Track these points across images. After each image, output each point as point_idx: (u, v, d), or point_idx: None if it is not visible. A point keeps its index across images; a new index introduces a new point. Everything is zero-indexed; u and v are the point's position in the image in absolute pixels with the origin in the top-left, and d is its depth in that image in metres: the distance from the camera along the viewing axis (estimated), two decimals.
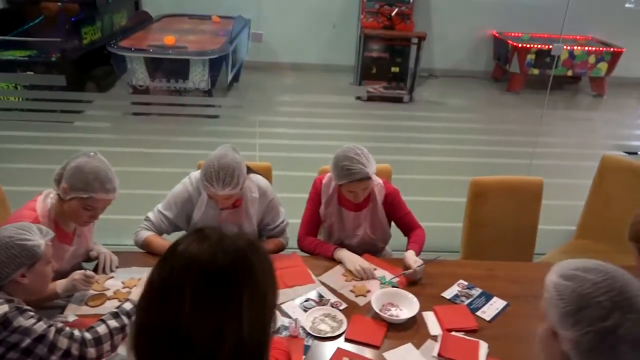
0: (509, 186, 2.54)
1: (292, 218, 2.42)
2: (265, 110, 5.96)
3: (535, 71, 7.13)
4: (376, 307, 1.87)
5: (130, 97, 5.47)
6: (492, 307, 1.97)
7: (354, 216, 2.26)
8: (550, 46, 6.98)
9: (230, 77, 5.82)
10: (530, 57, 7.02)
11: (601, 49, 7.10)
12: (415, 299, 1.91)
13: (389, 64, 7.06)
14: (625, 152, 3.81)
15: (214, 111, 5.20)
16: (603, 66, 7.12)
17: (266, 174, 2.50)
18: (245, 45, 6.81)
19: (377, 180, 2.24)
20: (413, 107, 6.59)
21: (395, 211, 2.28)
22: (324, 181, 2.26)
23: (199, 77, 5.35)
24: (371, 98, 6.69)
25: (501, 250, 2.56)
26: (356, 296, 1.99)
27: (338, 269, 2.15)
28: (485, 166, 4.75)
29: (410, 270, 2.05)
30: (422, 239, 2.25)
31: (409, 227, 2.30)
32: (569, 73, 7.19)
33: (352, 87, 7.13)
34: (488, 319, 1.91)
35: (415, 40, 6.86)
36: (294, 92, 6.93)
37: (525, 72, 7.12)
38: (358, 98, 6.70)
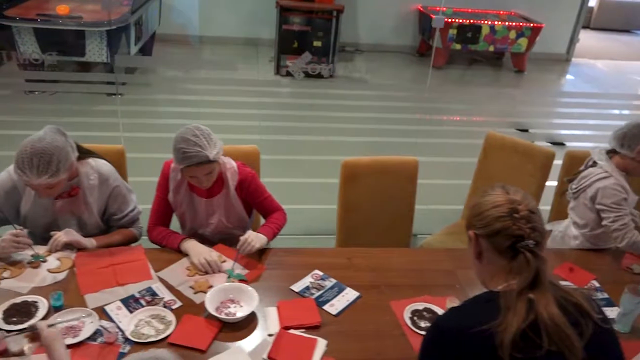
0: (382, 167, 2.41)
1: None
2: (177, 87, 5.63)
3: (458, 46, 7.08)
4: (211, 305, 1.70)
5: (22, 73, 4.99)
6: (343, 300, 1.84)
7: (206, 203, 2.07)
8: (473, 21, 6.96)
9: (134, 50, 5.44)
10: (452, 32, 6.95)
11: (521, 24, 7.11)
12: (255, 294, 1.74)
13: (310, 38, 6.82)
14: (517, 130, 3.78)
15: (114, 88, 4.84)
16: (523, 42, 7.15)
17: None
18: (156, 17, 6.40)
19: (230, 164, 2.05)
20: (333, 83, 6.41)
21: (252, 196, 2.10)
22: (172, 165, 2.04)
23: (96, 50, 4.95)
24: (290, 74, 6.45)
25: (376, 235, 2.44)
26: (195, 293, 1.80)
27: (183, 262, 1.95)
28: (395, 145, 4.64)
29: (240, 244, 1.91)
30: (279, 222, 2.10)
31: (268, 211, 2.14)
32: (491, 48, 7.19)
33: (272, 62, 6.85)
34: (335, 312, 1.77)
35: (335, 14, 6.64)
36: (210, 68, 6.59)
37: (447, 47, 7.07)
38: (277, 73, 6.46)
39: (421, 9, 7.49)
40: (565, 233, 2.32)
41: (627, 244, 2.10)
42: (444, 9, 7.36)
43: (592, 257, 2.18)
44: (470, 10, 7.42)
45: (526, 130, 3.59)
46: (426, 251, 2.42)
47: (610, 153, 2.20)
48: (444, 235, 2.79)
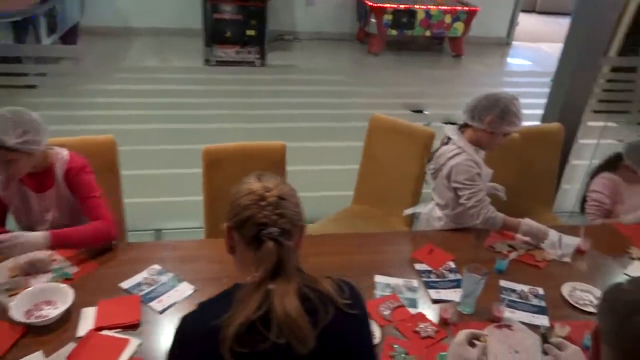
0: (247, 153, 2.29)
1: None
2: (103, 78, 5.45)
3: (394, 32, 7.01)
4: (19, 308, 1.56)
5: None
6: (175, 295, 1.72)
7: (39, 198, 1.92)
8: (408, 5, 6.89)
9: (46, 42, 5.20)
10: (388, 17, 6.88)
11: (457, 8, 7.07)
12: (70, 294, 1.61)
13: (243, 26, 6.65)
14: (412, 111, 3.71)
15: (29, 80, 4.61)
16: (459, 26, 7.12)
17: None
18: (77, 8, 6.15)
19: (62, 154, 1.90)
20: (263, 72, 6.28)
21: (76, 190, 1.89)
22: None
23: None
24: (221, 63, 6.31)
25: None
26: (9, 296, 1.66)
27: (7, 262, 1.81)
28: (319, 130, 4.56)
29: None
30: (88, 233, 1.81)
31: (90, 214, 1.87)
32: (427, 33, 7.14)
33: (203, 51, 6.65)
34: (160, 309, 1.66)
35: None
36: (137, 58, 6.39)
37: (383, 33, 6.99)
38: (206, 63, 6.28)
39: None
40: (430, 215, 2.25)
41: (482, 220, 2.04)
42: None
43: (455, 238, 2.11)
44: None
45: (420, 111, 3.50)
46: None
47: (463, 128, 2.14)
48: (334, 222, 2.69)
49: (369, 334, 1.13)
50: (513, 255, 1.98)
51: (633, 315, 0.83)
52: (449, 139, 2.16)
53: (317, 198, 3.19)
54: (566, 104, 2.78)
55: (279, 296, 0.99)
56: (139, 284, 1.75)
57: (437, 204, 2.22)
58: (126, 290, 1.73)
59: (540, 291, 1.86)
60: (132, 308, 1.64)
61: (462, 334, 1.23)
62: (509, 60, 7.91)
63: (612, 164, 2.48)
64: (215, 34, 6.60)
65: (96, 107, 4.70)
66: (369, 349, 1.12)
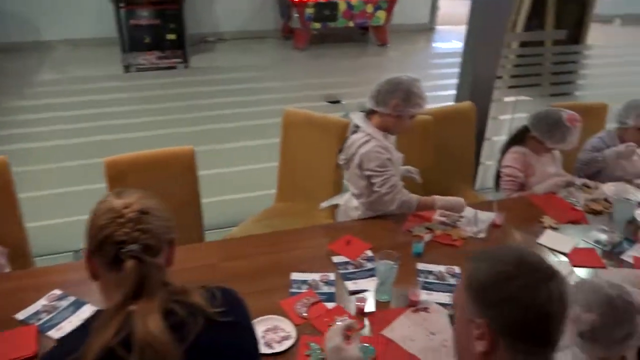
0: (151, 161, 2.19)
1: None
2: (16, 95, 5.15)
3: (317, 25, 6.98)
4: None
5: None
6: (76, 320, 1.60)
7: None
8: None
9: None
10: (310, 11, 6.84)
11: None
12: None
13: (162, 31, 6.45)
14: (329, 102, 3.71)
15: None
16: (381, 14, 7.18)
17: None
18: None
19: None
20: (186, 75, 6.12)
21: None
22: None
23: None
24: (142, 69, 6.10)
25: None
26: None
27: None
28: (213, 132, 4.46)
29: None
30: None
31: None
32: (350, 24, 7.15)
33: (122, 59, 6.40)
34: (58, 337, 1.54)
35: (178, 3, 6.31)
36: (52, 72, 6.08)
37: (307, 27, 6.95)
38: (127, 70, 6.05)
39: None
40: (347, 205, 2.23)
41: (398, 205, 2.04)
42: None
43: (373, 226, 2.10)
44: None
45: (338, 102, 3.49)
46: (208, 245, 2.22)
47: (370, 115, 2.12)
48: (256, 222, 2.63)
49: (250, 340, 1.07)
50: (427, 237, 1.98)
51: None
52: (357, 127, 2.13)
53: (240, 200, 3.12)
54: (475, 83, 2.82)
55: (141, 317, 0.91)
56: (36, 313, 1.63)
57: (353, 194, 2.20)
58: (22, 322, 1.60)
59: (457, 270, 1.86)
60: (27, 340, 1.52)
61: (334, 335, 1.17)
62: (435, 44, 8.06)
63: (520, 137, 2.54)
64: (134, 41, 6.37)
65: (10, 125, 4.44)
66: (250, 355, 1.07)
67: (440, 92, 4.18)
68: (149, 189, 2.17)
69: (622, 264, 1.94)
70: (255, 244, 1.98)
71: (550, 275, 0.90)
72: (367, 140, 2.07)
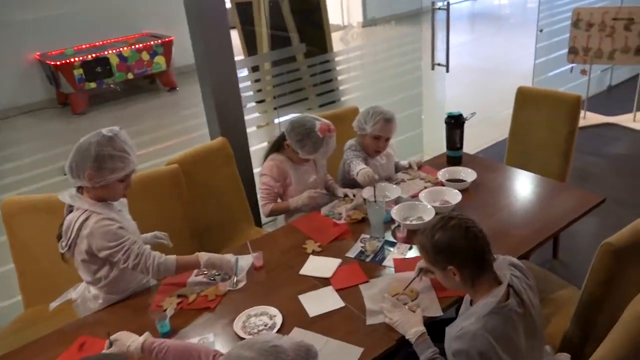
0: None
1: None
2: None
3: (92, 85, 6.44)
4: None
5: None
6: None
7: None
8: (96, 54, 6.38)
9: None
10: (78, 72, 6.28)
11: (150, 43, 6.80)
12: None
13: None
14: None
15: None
16: (160, 60, 6.87)
17: None
18: None
19: None
20: None
21: None
22: None
23: None
24: None
25: None
26: None
27: None
28: None
29: None
30: None
31: None
32: (130, 76, 6.72)
33: None
34: None
35: None
36: None
37: (81, 89, 6.37)
38: None
39: (39, 57, 6.59)
40: (84, 297, 1.86)
41: (154, 271, 1.74)
42: (63, 50, 6.61)
43: (116, 313, 1.76)
44: (97, 43, 6.81)
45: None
46: None
47: (80, 189, 1.80)
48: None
49: None
50: (170, 310, 1.70)
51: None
52: (71, 206, 1.79)
53: None
54: (222, 117, 2.64)
55: None
56: None
57: (87, 282, 1.84)
58: None
59: (211, 338, 1.61)
60: None
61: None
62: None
63: (277, 144, 2.39)
64: None
65: None
66: None
67: None
68: None
69: (385, 270, 1.86)
70: None
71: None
72: (86, 218, 1.74)
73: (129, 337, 1.46)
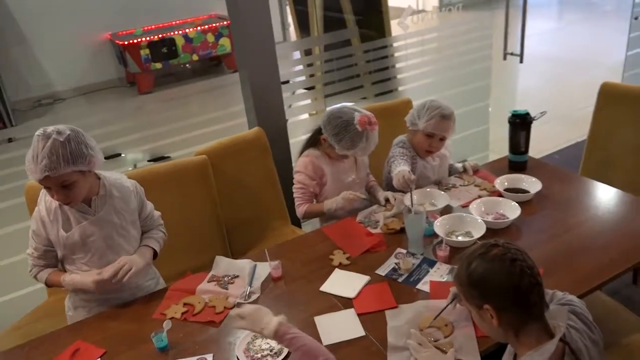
0: None
1: None
2: None
3: (158, 65, 6.49)
4: None
5: None
6: None
7: None
8: (162, 35, 6.41)
9: None
10: (145, 52, 6.34)
11: (216, 24, 6.75)
12: None
13: None
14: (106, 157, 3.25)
15: None
16: (225, 42, 6.81)
17: None
18: None
19: None
20: (8, 149, 5.37)
21: None
22: None
23: None
24: None
25: None
26: None
27: None
28: None
29: None
30: None
31: None
32: (195, 57, 6.72)
33: None
34: None
35: None
36: None
37: (147, 69, 6.43)
38: None
39: (110, 37, 6.73)
40: None
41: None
42: (133, 30, 6.70)
43: (107, 321, 1.61)
44: (162, 24, 6.85)
45: (119, 155, 3.03)
46: None
47: None
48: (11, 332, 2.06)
49: None
50: (166, 324, 1.52)
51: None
52: None
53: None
54: (259, 105, 2.44)
55: None
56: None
57: None
58: None
59: (209, 359, 1.42)
60: None
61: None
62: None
63: (313, 138, 2.16)
64: None
65: None
66: None
67: None
68: None
69: (418, 295, 1.59)
70: None
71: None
72: None
73: (264, 317, 1.26)
